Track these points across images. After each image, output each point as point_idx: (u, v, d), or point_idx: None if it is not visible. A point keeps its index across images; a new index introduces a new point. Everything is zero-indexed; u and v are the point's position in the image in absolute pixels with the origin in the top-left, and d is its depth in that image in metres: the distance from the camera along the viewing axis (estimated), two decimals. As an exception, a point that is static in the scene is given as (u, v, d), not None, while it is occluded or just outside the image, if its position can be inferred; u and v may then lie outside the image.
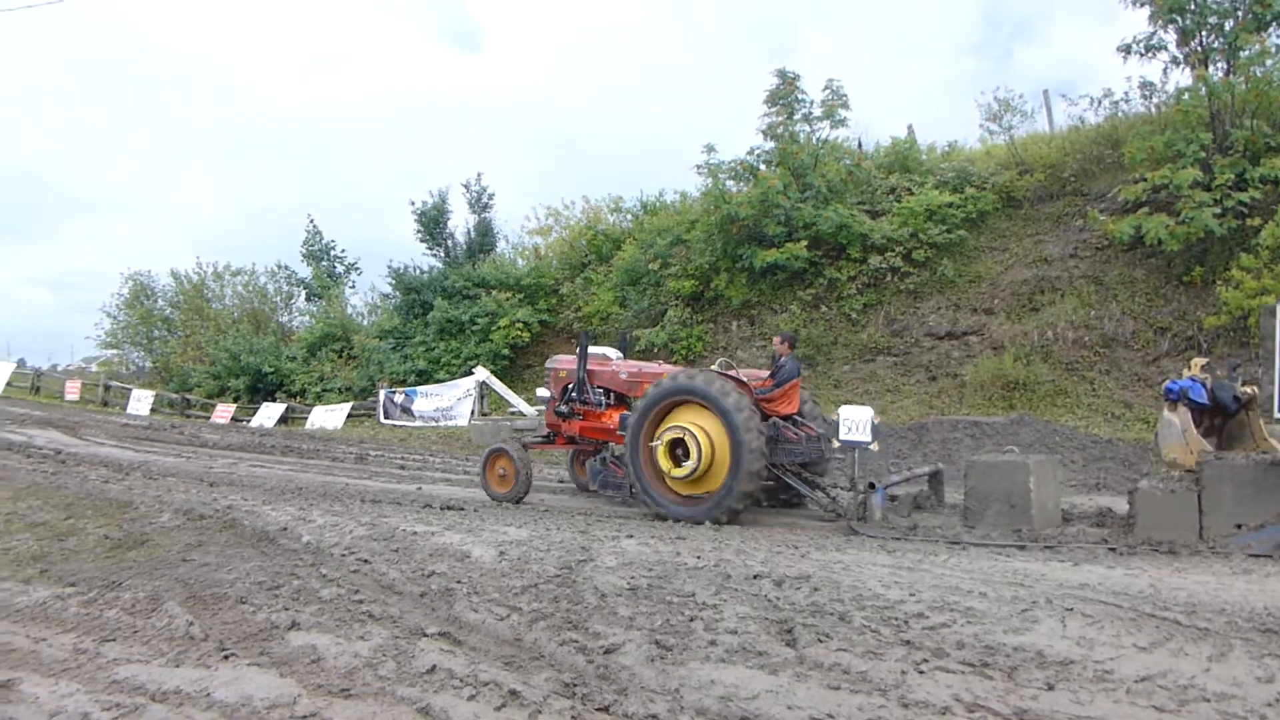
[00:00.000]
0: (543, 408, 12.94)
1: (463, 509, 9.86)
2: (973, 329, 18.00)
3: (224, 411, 28.10)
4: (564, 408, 11.72)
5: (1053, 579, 6.08)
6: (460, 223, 30.43)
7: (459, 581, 6.14)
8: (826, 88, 20.47)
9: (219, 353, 30.49)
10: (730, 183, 21.36)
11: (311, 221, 36.37)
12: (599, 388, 11.65)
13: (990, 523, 8.55)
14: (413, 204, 30.03)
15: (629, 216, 26.64)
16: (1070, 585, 5.85)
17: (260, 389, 29.37)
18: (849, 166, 20.55)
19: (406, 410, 24.37)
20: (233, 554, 7.36)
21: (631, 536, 7.65)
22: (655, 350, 20.96)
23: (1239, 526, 7.25)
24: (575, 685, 4.37)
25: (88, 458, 14.55)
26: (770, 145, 20.91)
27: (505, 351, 24.61)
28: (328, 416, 25.96)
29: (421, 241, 30.15)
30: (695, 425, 9.48)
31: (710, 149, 21.12)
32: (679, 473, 9.50)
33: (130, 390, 30.32)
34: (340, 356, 28.66)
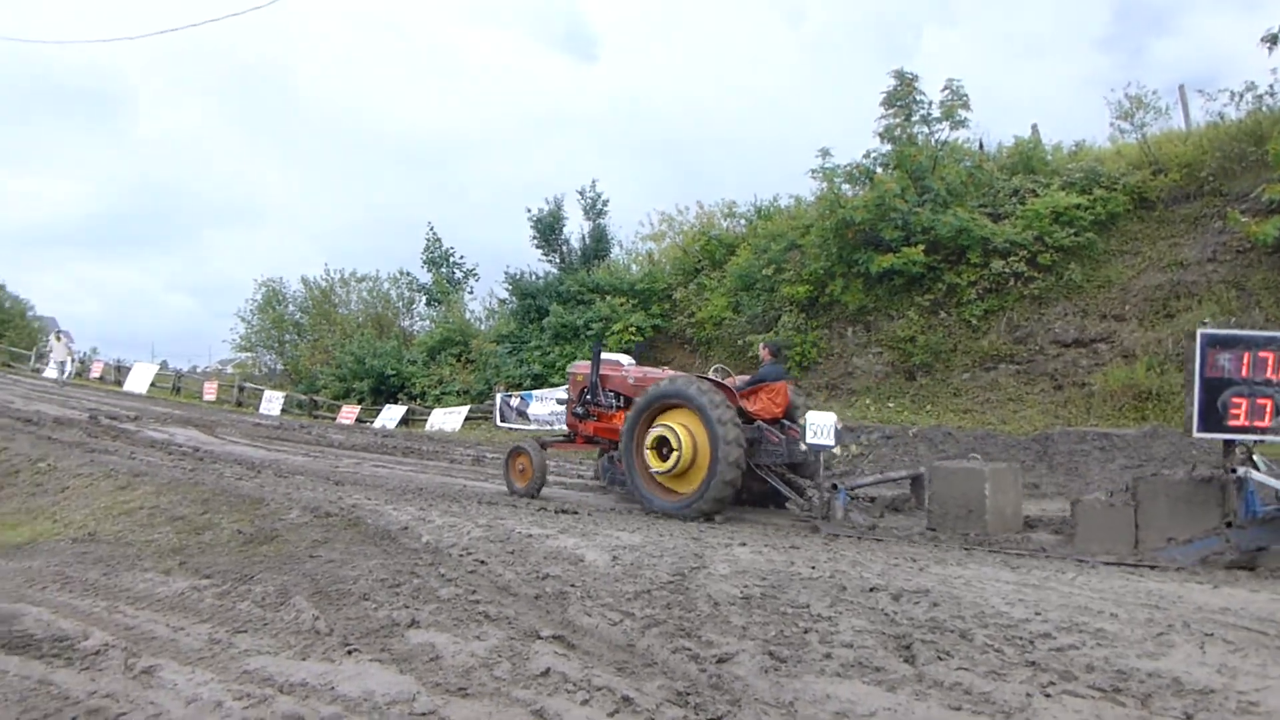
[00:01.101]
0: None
1: (576, 513, 9.94)
2: (1102, 336, 17.26)
3: (349, 413, 29.07)
4: (580, 409, 12.60)
5: (1190, 601, 5.77)
6: (575, 229, 30.85)
7: (573, 585, 6.18)
8: (946, 88, 19.96)
9: (344, 356, 31.60)
10: (846, 187, 21.04)
11: (432, 229, 37.47)
12: (610, 391, 12.43)
13: (949, 526, 9.12)
14: (529, 211, 30.57)
15: (742, 222, 26.49)
16: (1210, 609, 5.53)
17: (383, 391, 30.29)
18: (969, 168, 19.99)
19: (522, 414, 24.80)
20: (356, 551, 7.59)
21: (745, 544, 7.59)
22: (769, 356, 20.80)
23: (1170, 540, 7.63)
24: (688, 694, 4.34)
25: (223, 455, 15.24)
26: (887, 148, 20.50)
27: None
28: (446, 419, 26.60)
29: (537, 248, 30.69)
30: (680, 425, 10.37)
31: (825, 153, 20.85)
32: (663, 467, 10.33)
33: (262, 391, 31.66)
34: (459, 360, 29.34)
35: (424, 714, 4.31)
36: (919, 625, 5.12)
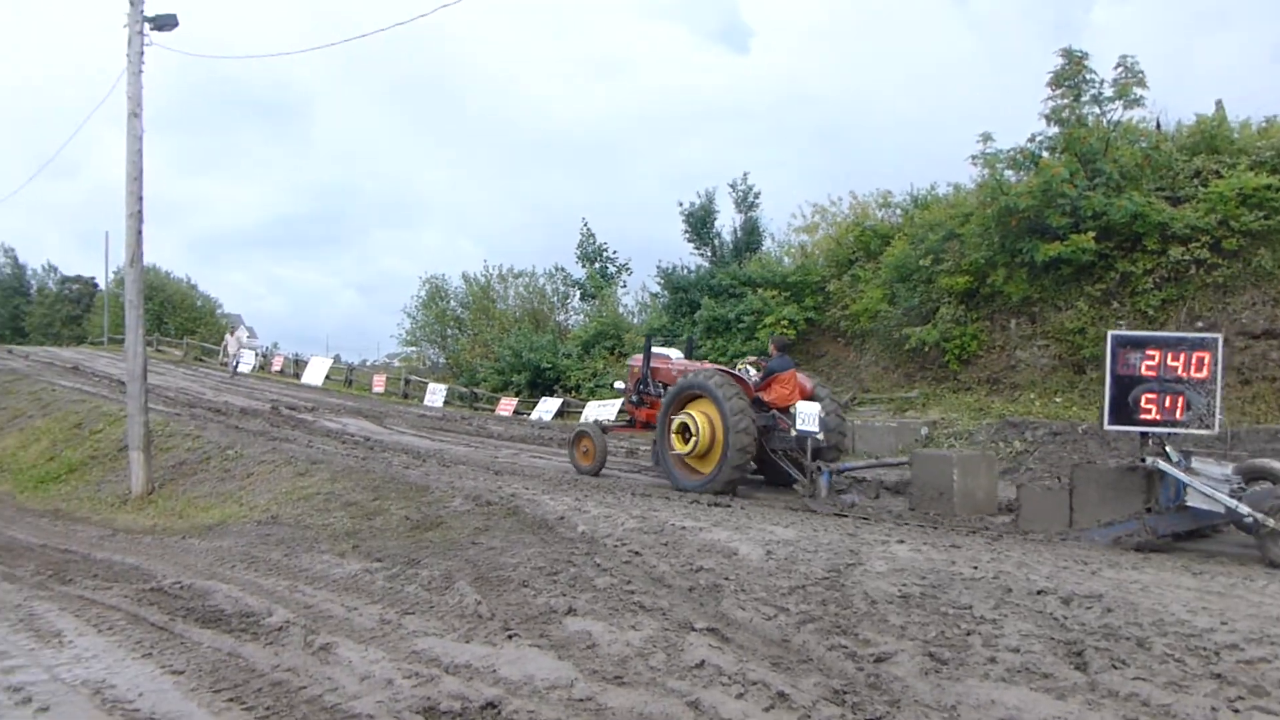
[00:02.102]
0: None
1: (729, 506, 9.93)
2: (1295, 326, 15.98)
3: (507, 405, 29.88)
4: (635, 398, 14.24)
5: (1402, 615, 5.27)
6: (727, 222, 30.71)
7: (726, 578, 6.18)
8: (1119, 65, 18.80)
9: (503, 350, 32.51)
10: (1009, 173, 20.13)
11: (586, 224, 38.15)
12: (659, 383, 13.84)
13: (925, 507, 10.14)
14: (681, 205, 30.64)
15: (898, 211, 25.78)
16: None
17: (539, 384, 30.99)
18: (1145, 149, 18.79)
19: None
20: (515, 539, 7.81)
21: (903, 542, 7.40)
22: (926, 350, 20.18)
23: (1097, 522, 8.47)
24: (845, 693, 4.27)
25: (391, 445, 15.96)
26: (1054, 130, 19.51)
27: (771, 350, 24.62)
28: (600, 411, 26.99)
29: (689, 241, 30.72)
30: (700, 413, 11.73)
31: (987, 137, 20.00)
32: (684, 450, 11.71)
33: (427, 384, 32.93)
34: (612, 354, 29.71)
35: (581, 700, 4.39)
36: (1091, 631, 4.88)
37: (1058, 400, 17.31)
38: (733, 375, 11.96)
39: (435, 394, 31.25)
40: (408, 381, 34.41)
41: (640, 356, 14.56)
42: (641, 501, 9.80)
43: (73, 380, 26.49)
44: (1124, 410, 8.38)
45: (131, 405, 14.17)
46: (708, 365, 13.53)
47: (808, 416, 11.21)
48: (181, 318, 55.64)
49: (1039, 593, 5.60)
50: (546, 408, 28.77)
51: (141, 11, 13.92)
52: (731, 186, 30.20)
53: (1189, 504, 8.02)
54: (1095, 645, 4.64)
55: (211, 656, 5.57)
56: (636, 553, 7.00)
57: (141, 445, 13.89)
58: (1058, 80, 19.36)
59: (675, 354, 14.73)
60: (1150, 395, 8.28)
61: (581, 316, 36.44)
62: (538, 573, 6.69)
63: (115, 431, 17.03)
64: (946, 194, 24.54)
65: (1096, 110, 19.39)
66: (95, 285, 63.21)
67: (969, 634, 4.91)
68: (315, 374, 35.93)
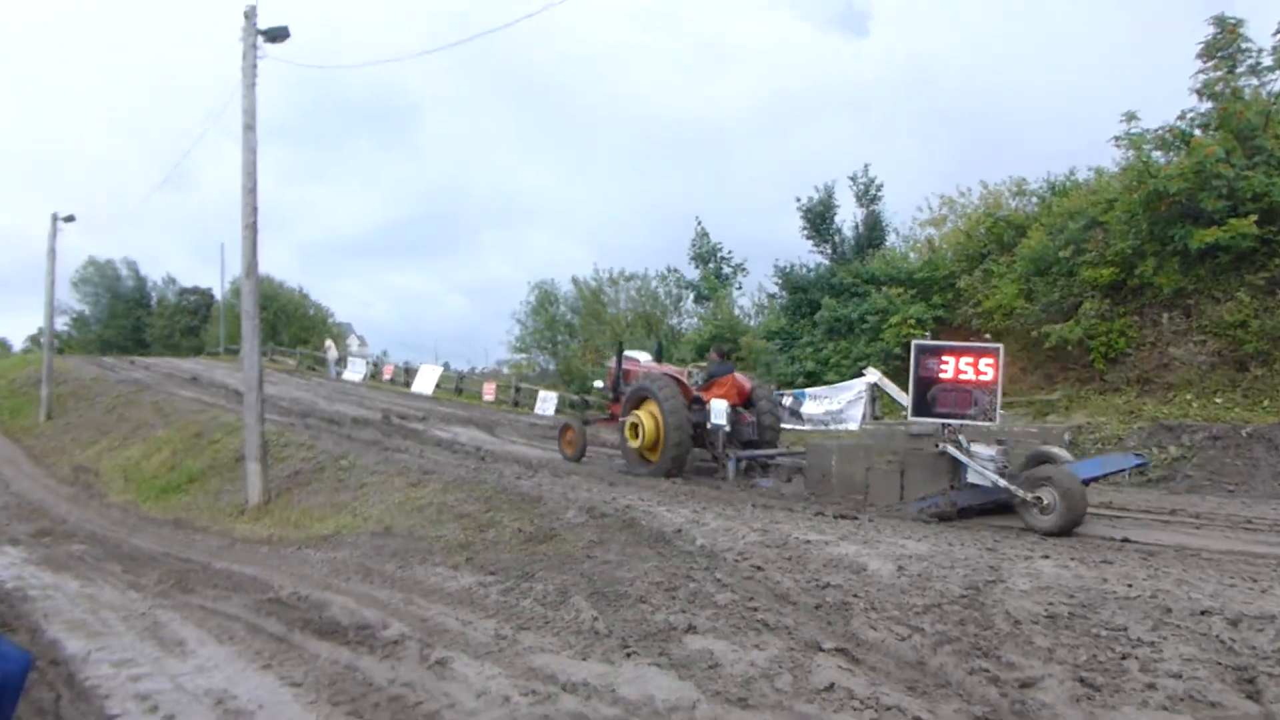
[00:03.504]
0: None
1: (856, 518, 9.77)
2: None
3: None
4: (611, 395, 16.84)
5: None
6: (847, 217, 30.20)
7: (855, 595, 6.07)
8: (1279, 31, 17.83)
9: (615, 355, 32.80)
10: (1156, 154, 19.27)
11: (699, 224, 37.96)
12: (630, 383, 15.91)
13: (811, 489, 12.08)
14: (798, 200, 30.27)
15: (1034, 200, 24.96)
16: None
17: (652, 391, 31.13)
18: (1314, 124, 17.74)
19: (795, 413, 24.62)
20: (632, 553, 7.84)
21: (1047, 557, 7.15)
22: (1069, 348, 19.46)
23: (922, 498, 10.69)
24: (988, 720, 4.14)
25: (502, 455, 16.26)
26: (1206, 106, 18.58)
27: (897, 351, 24.01)
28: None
29: (807, 238, 30.34)
30: (648, 413, 14.38)
31: (1131, 116, 19.17)
32: (635, 443, 14.40)
33: (537, 391, 33.44)
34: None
35: (705, 723, 4.37)
36: (1264, 656, 4.61)
37: (1217, 401, 16.47)
38: (676, 380, 14.61)
39: (546, 402, 31.69)
40: (518, 389, 34.91)
41: (615, 360, 17.27)
42: (763, 513, 9.73)
43: (192, 391, 27.87)
44: (924, 406, 10.72)
45: (248, 416, 14.81)
46: (668, 369, 16.40)
47: (718, 412, 14.08)
48: (295, 327, 57.98)
49: (1202, 613, 5.33)
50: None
51: (255, 25, 14.56)
52: (852, 179, 29.70)
53: (969, 481, 10.20)
54: (1270, 672, 4.39)
55: (329, 669, 5.75)
56: (759, 567, 6.95)
57: (258, 456, 14.51)
58: (1209, 51, 18.45)
59: (645, 357, 17.81)
60: (945, 394, 10.58)
61: (695, 320, 36.41)
62: (655, 588, 6.70)
63: (233, 441, 17.83)
64: (1087, 179, 23.66)
65: (1254, 82, 18.41)
66: (212, 296, 66.45)
67: (1124, 658, 4.70)
68: (425, 382, 36.87)
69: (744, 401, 14.94)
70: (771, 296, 31.68)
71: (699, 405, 14.57)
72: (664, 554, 7.70)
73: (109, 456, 21.51)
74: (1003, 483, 9.69)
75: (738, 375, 15.39)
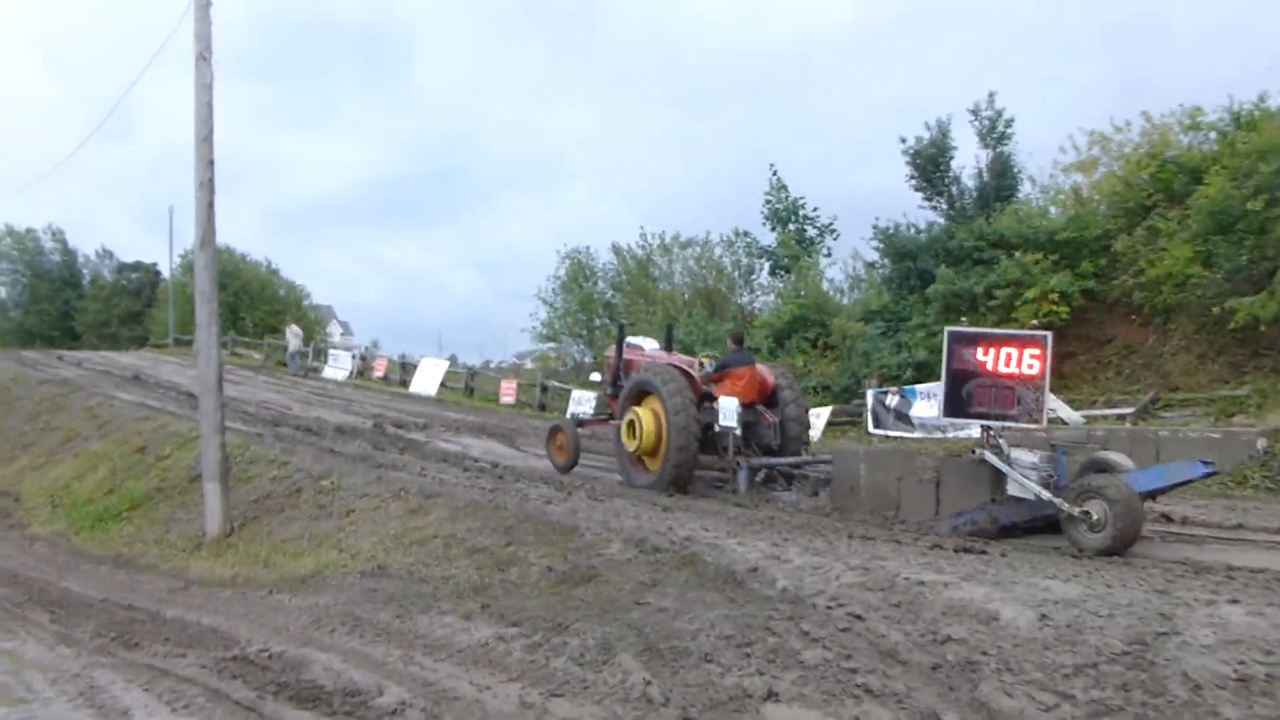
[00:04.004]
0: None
1: (984, 552, 9.68)
2: None
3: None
4: (609, 390, 17.51)
5: None
6: (968, 162, 29.87)
7: (985, 653, 6.02)
8: None
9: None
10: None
11: (775, 174, 37.23)
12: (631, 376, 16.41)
13: (837, 502, 12.95)
14: (903, 142, 29.94)
15: (1213, 136, 24.54)
16: None
17: (717, 388, 31.02)
18: None
19: (903, 416, 24.37)
20: (693, 598, 7.84)
21: (1236, 601, 7.02)
22: (1261, 328, 19.09)
23: (958, 514, 11.30)
24: (1162, 816, 4.08)
25: (526, 472, 16.34)
26: None
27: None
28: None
29: (916, 190, 30.04)
30: (649, 409, 14.81)
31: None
32: (631, 445, 14.95)
33: (569, 391, 33.41)
34: (815, 346, 29.34)
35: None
36: None
37: None
38: (684, 372, 14.94)
39: (581, 404, 31.67)
40: (544, 389, 34.97)
41: (615, 349, 17.71)
42: (862, 546, 9.68)
43: (134, 393, 28.39)
44: (958, 402, 11.16)
45: (205, 424, 15.02)
46: (678, 358, 16.64)
47: (727, 412, 14.35)
48: (262, 311, 58.55)
49: None
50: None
51: (206, -74, 14.71)
52: (973, 114, 29.31)
53: (1010, 493, 10.63)
54: None
55: (310, 747, 5.82)
56: (858, 616, 6.91)
57: (218, 475, 14.70)
58: None
59: (651, 344, 18.19)
60: (983, 389, 10.97)
61: (772, 297, 36.10)
62: (724, 643, 6.69)
63: (186, 457, 18.14)
64: (1284, 108, 23.19)
65: None
66: (158, 274, 67.61)
67: (1343, 736, 4.62)
68: (427, 380, 37.16)
69: (765, 399, 15.42)
70: (870, 266, 31.47)
71: (713, 403, 14.93)
72: (735, 599, 7.69)
73: (32, 476, 21.99)
74: (1046, 494, 10.13)
75: (759, 367, 15.77)
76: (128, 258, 71.81)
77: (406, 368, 39.63)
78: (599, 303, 41.39)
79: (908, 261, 27.49)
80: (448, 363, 39.73)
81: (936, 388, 23.90)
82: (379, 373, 40.56)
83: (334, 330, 48.31)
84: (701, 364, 16.02)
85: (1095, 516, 9.56)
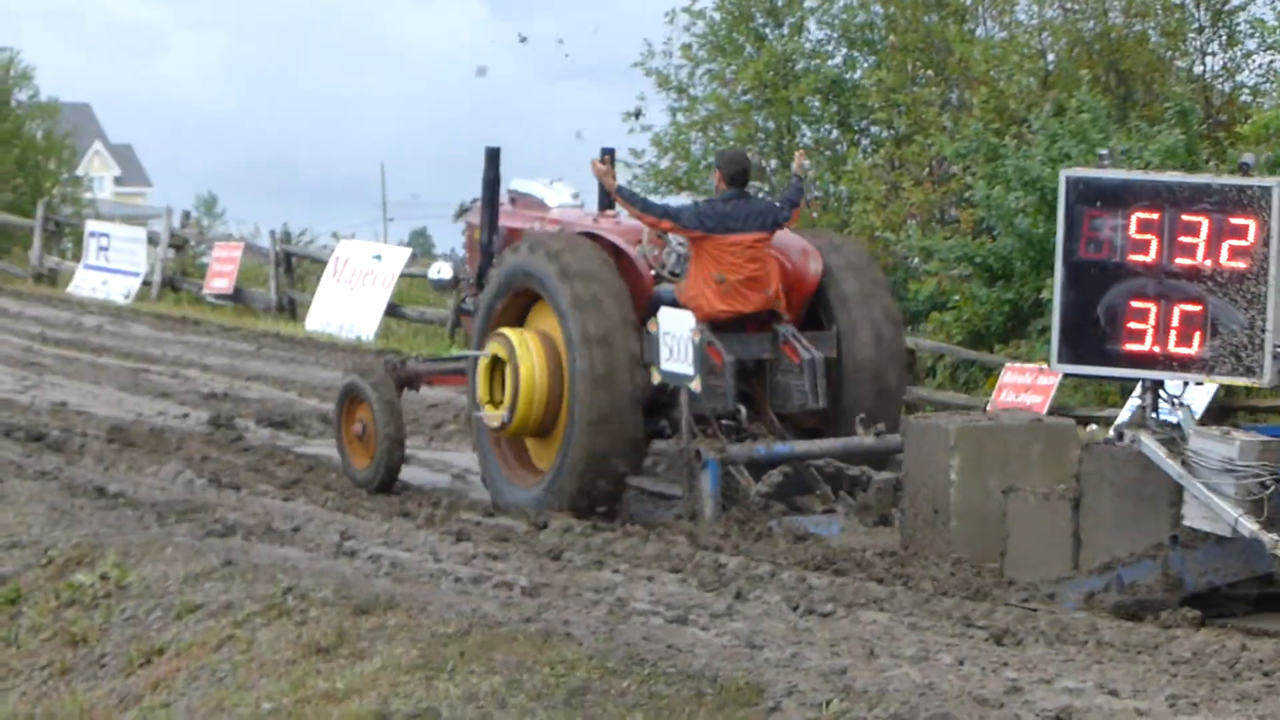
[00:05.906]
0: None
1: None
2: None
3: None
4: (467, 302, 11.45)
5: None
6: None
7: None
8: None
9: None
10: None
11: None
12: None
13: (909, 537, 8.09)
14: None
15: None
16: None
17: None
18: None
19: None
20: None
21: None
22: None
23: (1107, 565, 7.06)
24: None
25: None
26: None
27: None
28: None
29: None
30: (533, 337, 9.39)
31: None
32: (494, 417, 9.43)
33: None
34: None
35: None
36: None
37: None
38: (615, 249, 9.43)
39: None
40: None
41: (483, 201, 10.98)
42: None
43: None
44: (1086, 336, 6.89)
45: None
46: (607, 224, 10.48)
47: (676, 342, 8.81)
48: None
49: None
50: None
51: None
52: None
53: (1187, 522, 6.50)
54: None
55: None
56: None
57: None
58: None
59: (561, 195, 11.06)
60: (1141, 303, 6.62)
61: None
62: None
63: None
64: None
65: None
66: None
67: None
68: (355, 306, 21.78)
69: (797, 310, 9.54)
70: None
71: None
72: None
73: None
74: (1247, 523, 6.12)
75: (789, 233, 9.79)
76: None
77: (297, 274, 23.49)
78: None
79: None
80: (409, 254, 23.56)
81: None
82: (220, 283, 24.09)
83: (100, 174, 33.94)
84: (661, 238, 9.75)
85: None
